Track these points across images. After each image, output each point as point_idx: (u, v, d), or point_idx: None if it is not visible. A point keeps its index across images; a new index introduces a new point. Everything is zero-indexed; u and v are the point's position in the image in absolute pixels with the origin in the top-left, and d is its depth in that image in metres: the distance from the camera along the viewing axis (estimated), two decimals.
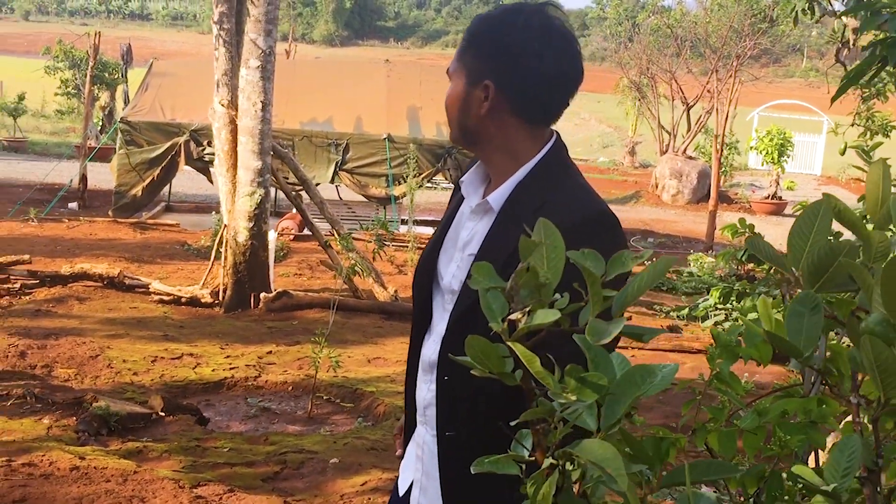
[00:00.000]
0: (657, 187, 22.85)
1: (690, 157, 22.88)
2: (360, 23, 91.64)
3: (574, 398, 1.14)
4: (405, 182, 13.24)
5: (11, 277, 8.46)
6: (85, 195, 14.77)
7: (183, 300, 8.47)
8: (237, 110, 8.32)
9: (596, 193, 1.94)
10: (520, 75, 1.90)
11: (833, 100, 1.99)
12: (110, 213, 13.36)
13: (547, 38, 1.89)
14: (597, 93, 44.10)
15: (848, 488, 1.02)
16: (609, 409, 1.14)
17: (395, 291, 8.96)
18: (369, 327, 8.23)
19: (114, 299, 8.37)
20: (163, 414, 5.60)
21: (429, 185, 16.02)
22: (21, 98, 21.82)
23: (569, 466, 1.16)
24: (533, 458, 1.16)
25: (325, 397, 6.31)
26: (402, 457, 2.12)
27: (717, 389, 1.47)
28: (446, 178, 14.62)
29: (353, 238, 8.60)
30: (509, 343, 1.09)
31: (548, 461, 1.14)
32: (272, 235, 8.69)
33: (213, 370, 6.63)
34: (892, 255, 0.96)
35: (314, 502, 4.50)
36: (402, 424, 2.17)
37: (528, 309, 1.13)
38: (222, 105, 8.48)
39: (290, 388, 6.51)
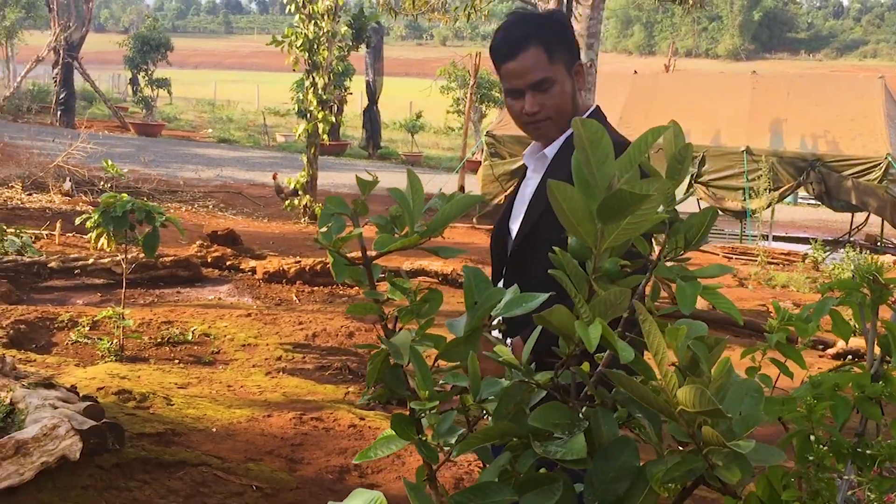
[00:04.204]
0: None
1: None
2: (768, 35, 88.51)
3: (390, 298, 1.46)
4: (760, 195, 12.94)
5: None
6: None
7: None
8: None
9: (619, 135, 2.31)
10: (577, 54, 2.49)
11: None
12: (474, 220, 14.41)
13: None
14: None
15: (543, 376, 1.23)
16: (470, 319, 1.44)
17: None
18: None
19: (445, 293, 9.13)
20: None
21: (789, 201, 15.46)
22: (418, 116, 23.94)
23: None
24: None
25: None
26: None
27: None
28: (809, 193, 13.99)
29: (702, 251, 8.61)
30: (336, 257, 1.41)
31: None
32: None
33: None
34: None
35: None
36: None
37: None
38: None
39: None
